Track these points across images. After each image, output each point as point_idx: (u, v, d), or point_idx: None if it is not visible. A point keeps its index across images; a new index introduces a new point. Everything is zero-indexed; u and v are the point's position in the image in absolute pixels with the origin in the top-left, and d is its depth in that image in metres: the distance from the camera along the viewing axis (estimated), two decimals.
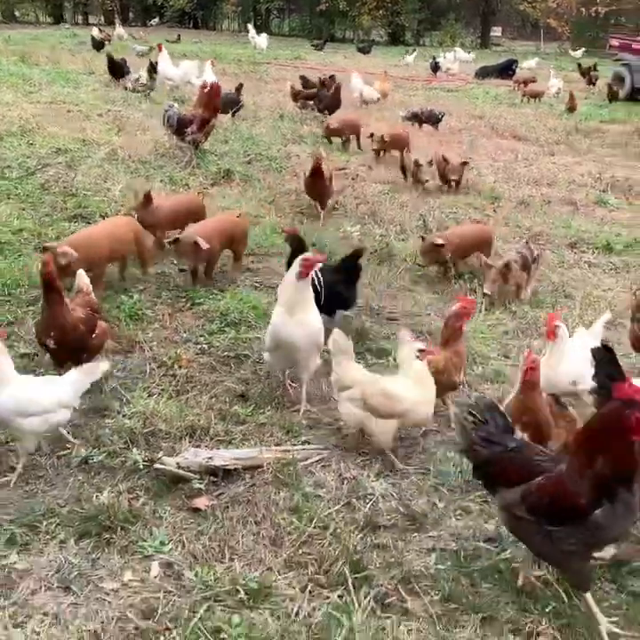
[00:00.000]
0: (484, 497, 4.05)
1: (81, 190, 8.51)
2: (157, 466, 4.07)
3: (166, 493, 3.99)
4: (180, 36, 32.60)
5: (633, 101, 21.94)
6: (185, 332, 5.72)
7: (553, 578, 3.52)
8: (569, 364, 4.70)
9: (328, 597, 3.35)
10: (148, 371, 5.15)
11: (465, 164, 10.21)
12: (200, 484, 4.03)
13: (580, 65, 27.72)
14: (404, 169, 10.47)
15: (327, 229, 7.99)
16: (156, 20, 51.90)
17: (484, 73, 26.88)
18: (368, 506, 3.97)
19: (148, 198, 6.94)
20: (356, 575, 3.46)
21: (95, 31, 27.93)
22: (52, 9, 56.29)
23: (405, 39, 49.33)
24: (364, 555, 3.61)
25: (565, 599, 3.41)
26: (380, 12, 48.59)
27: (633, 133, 15.95)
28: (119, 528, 3.69)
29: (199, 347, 5.54)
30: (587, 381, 4.46)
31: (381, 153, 11.74)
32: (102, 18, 54.59)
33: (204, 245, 6.14)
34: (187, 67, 15.23)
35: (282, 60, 27.24)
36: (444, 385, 4.64)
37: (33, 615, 3.21)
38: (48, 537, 3.64)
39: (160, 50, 15.63)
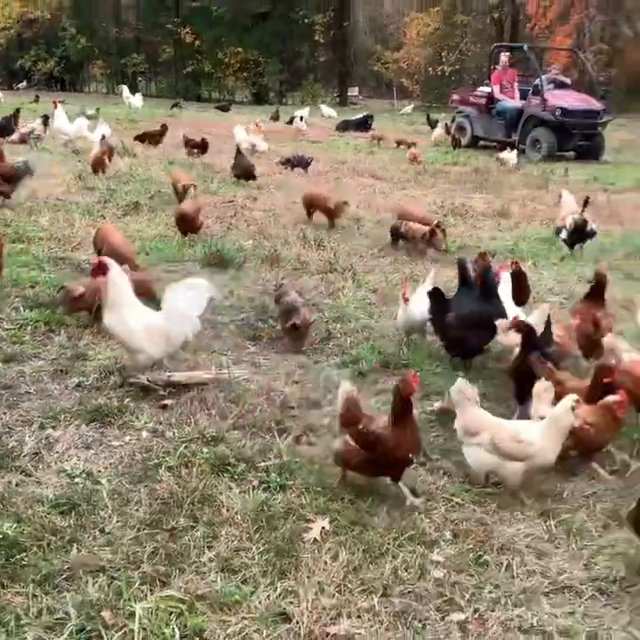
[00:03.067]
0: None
1: (14, 221, 10.10)
2: (132, 380, 5.84)
3: (142, 398, 5.73)
4: (37, 96, 34.19)
5: (473, 148, 25.14)
6: None
7: None
8: (422, 306, 6.78)
9: (263, 438, 5.23)
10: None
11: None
12: (164, 392, 5.81)
13: (428, 116, 31.21)
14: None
15: (225, 244, 9.85)
16: (24, 83, 52.77)
17: (344, 126, 29.76)
18: (282, 397, 5.87)
19: None
20: (278, 427, 5.36)
21: None
22: None
23: (269, 99, 52.26)
24: (284, 419, 5.51)
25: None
26: (244, 74, 51.63)
27: (471, 173, 18.72)
28: (114, 416, 5.42)
29: None
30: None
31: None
32: None
33: None
34: (80, 123, 16.92)
35: (157, 117, 29.16)
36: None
37: (71, 459, 4.89)
38: (67, 423, 5.29)
39: (56, 107, 17.31)
